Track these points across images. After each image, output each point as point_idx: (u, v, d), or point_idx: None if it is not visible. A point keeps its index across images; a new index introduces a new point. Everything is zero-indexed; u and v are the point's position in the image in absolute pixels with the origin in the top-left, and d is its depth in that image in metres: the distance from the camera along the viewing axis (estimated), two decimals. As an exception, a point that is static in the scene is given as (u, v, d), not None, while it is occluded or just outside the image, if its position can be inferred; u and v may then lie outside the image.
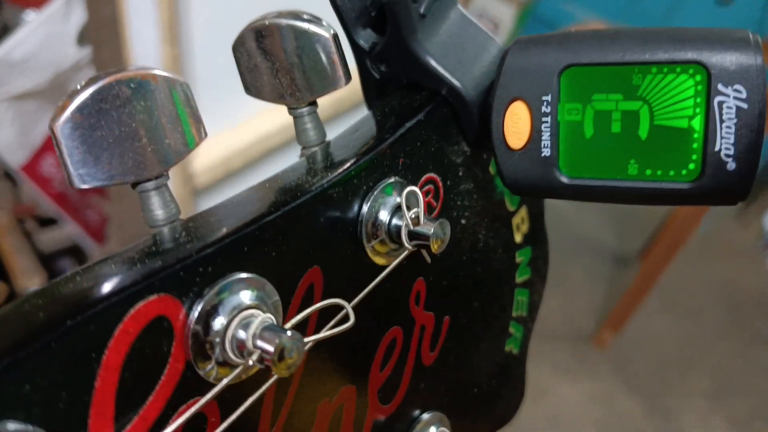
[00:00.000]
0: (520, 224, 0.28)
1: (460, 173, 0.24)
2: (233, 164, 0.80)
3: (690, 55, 0.18)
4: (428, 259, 0.22)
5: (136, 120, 0.16)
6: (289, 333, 0.15)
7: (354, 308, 0.19)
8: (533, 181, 0.21)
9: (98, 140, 0.16)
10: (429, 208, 0.23)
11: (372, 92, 0.24)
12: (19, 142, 0.94)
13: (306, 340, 0.16)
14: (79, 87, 0.16)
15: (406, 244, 0.20)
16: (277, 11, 0.21)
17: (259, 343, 0.15)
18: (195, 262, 0.15)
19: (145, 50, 0.70)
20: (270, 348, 0.15)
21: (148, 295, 0.14)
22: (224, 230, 0.16)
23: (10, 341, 0.12)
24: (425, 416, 0.24)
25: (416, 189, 0.20)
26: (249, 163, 0.84)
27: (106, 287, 0.14)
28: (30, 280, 0.97)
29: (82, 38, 0.88)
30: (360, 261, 0.20)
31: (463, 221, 0.25)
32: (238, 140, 0.82)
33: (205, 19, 0.74)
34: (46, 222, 1.06)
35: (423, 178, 0.22)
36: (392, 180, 0.21)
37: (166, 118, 0.17)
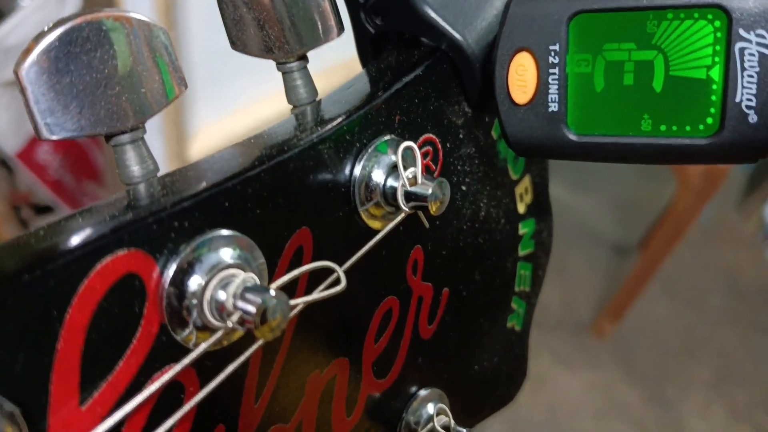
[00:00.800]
0: (524, 194, 0.27)
1: (461, 136, 0.23)
2: None
3: (710, -3, 0.17)
4: (426, 224, 0.21)
5: (109, 66, 0.15)
6: (272, 292, 0.14)
7: (346, 273, 0.18)
8: (539, 140, 0.20)
9: (67, 86, 0.15)
10: (427, 171, 0.21)
11: (367, 49, 0.23)
12: (15, 129, 0.92)
13: (292, 302, 0.15)
14: (46, 29, 0.15)
15: (403, 206, 0.19)
16: None
17: (240, 303, 0.14)
18: (170, 216, 0.14)
19: None
20: (252, 309, 0.13)
21: (116, 250, 0.13)
22: (203, 184, 0.15)
23: None
24: (423, 392, 0.23)
25: (412, 144, 0.19)
26: None
27: (71, 241, 0.12)
28: None
29: None
30: (353, 224, 0.19)
31: (463, 187, 0.23)
32: (236, 126, 0.81)
33: (202, 4, 0.73)
34: (42, 209, 1.05)
35: (421, 139, 0.21)
36: (387, 138, 0.19)
37: (141, 66, 0.16)
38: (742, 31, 0.17)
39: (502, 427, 1.13)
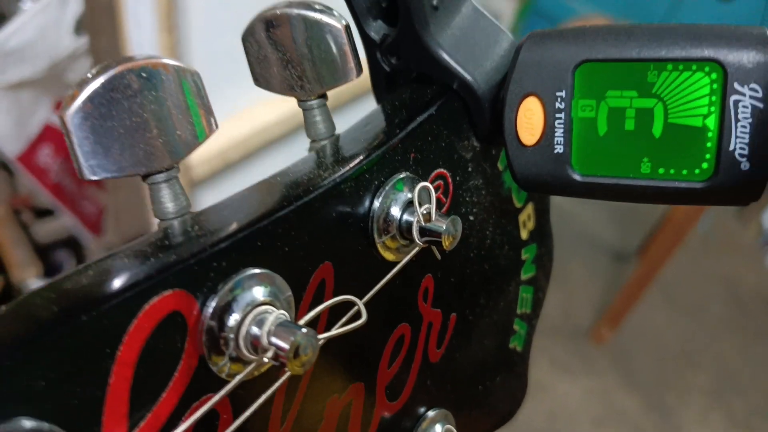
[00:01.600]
0: (527, 221, 0.28)
1: (470, 169, 0.24)
2: (231, 156, 0.80)
3: (706, 52, 0.18)
4: (439, 256, 0.22)
5: (147, 110, 0.16)
6: (304, 330, 0.15)
7: (365, 305, 0.19)
8: (545, 178, 0.21)
9: (109, 131, 0.16)
10: (438, 204, 0.23)
11: (381, 85, 0.24)
12: (15, 132, 0.93)
13: (319, 337, 0.16)
14: (90, 75, 0.16)
15: (418, 240, 0.20)
16: (287, 0, 0.21)
17: (274, 339, 0.15)
18: (209, 257, 0.15)
19: (142, 38, 0.69)
20: (285, 345, 0.15)
21: (162, 291, 0.14)
22: (236, 224, 0.16)
23: (23, 335, 0.12)
24: (431, 413, 0.24)
25: (428, 185, 0.20)
26: (247, 154, 0.83)
27: (121, 281, 0.14)
28: (26, 271, 0.97)
29: (79, 27, 0.88)
30: (370, 257, 0.20)
31: (471, 217, 0.24)
32: (236, 131, 0.81)
33: (203, 6, 0.74)
34: (43, 213, 1.05)
35: (433, 174, 0.22)
36: (403, 175, 0.20)
37: (176, 109, 0.17)
38: (736, 85, 0.18)
39: (501, 432, 1.14)
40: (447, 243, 0.20)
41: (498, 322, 0.28)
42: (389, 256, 0.21)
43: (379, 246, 0.20)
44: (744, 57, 0.18)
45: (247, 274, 0.16)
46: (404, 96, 0.23)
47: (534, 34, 0.20)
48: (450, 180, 0.23)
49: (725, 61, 0.18)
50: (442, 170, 0.22)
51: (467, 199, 0.24)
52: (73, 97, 0.16)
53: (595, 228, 1.70)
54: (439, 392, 0.24)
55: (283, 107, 0.85)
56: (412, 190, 0.20)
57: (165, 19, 0.69)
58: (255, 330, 0.15)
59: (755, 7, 1.74)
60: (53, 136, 0.98)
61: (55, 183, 1.01)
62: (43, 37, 0.88)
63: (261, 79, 0.22)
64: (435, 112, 0.22)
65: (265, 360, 0.15)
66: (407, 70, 0.23)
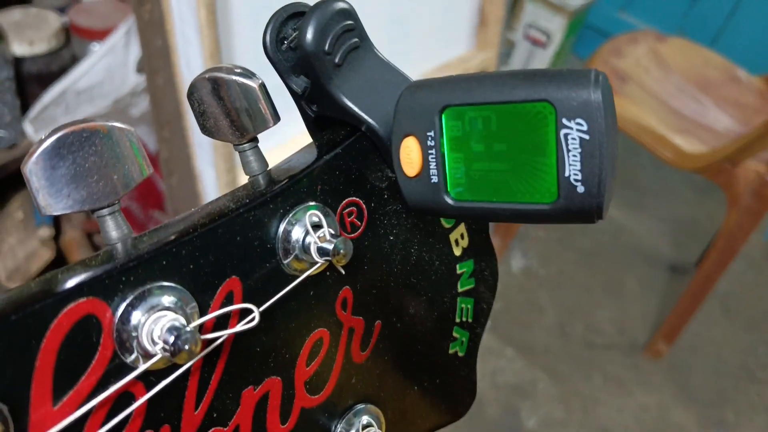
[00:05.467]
0: (459, 239, 0.31)
1: (386, 196, 0.28)
2: None
3: (540, 93, 0.21)
4: (342, 271, 0.26)
5: (89, 161, 0.21)
6: (187, 328, 0.19)
7: (270, 311, 0.23)
8: (428, 204, 0.24)
9: (59, 178, 0.21)
10: (353, 227, 0.27)
11: (311, 126, 0.28)
12: None
13: (211, 336, 0.20)
14: (43, 137, 0.21)
15: (316, 258, 0.24)
16: (218, 66, 0.25)
17: (165, 334, 0.19)
18: (119, 272, 0.20)
19: (192, 77, 0.77)
20: (171, 338, 0.19)
21: (78, 298, 0.19)
22: (148, 247, 0.21)
23: None
24: (358, 407, 0.28)
25: (318, 213, 0.24)
26: None
27: (46, 291, 0.19)
28: None
29: (140, 67, 0.98)
30: (280, 273, 0.24)
31: (391, 237, 0.28)
32: (282, 157, 0.88)
33: (248, 48, 0.81)
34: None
35: (344, 201, 0.26)
36: (310, 203, 0.25)
37: (114, 158, 0.22)
38: (564, 120, 0.21)
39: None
40: (336, 261, 0.24)
41: (433, 329, 0.31)
42: (301, 273, 0.25)
43: (285, 265, 0.24)
44: (569, 95, 0.21)
45: (151, 286, 0.20)
46: (324, 137, 0.27)
47: (411, 83, 0.24)
48: (363, 206, 0.27)
49: (554, 100, 0.21)
50: (353, 198, 0.26)
51: (386, 221, 0.28)
52: (31, 154, 0.21)
53: (653, 241, 1.66)
54: (365, 389, 0.28)
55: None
56: (314, 216, 0.24)
57: (210, 60, 0.76)
58: (153, 328, 0.20)
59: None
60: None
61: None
62: (110, 76, 0.98)
63: (204, 129, 0.26)
64: (342, 150, 0.26)
65: (158, 352, 0.19)
66: (326, 115, 0.27)
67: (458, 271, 0.32)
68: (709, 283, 1.27)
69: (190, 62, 0.77)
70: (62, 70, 0.99)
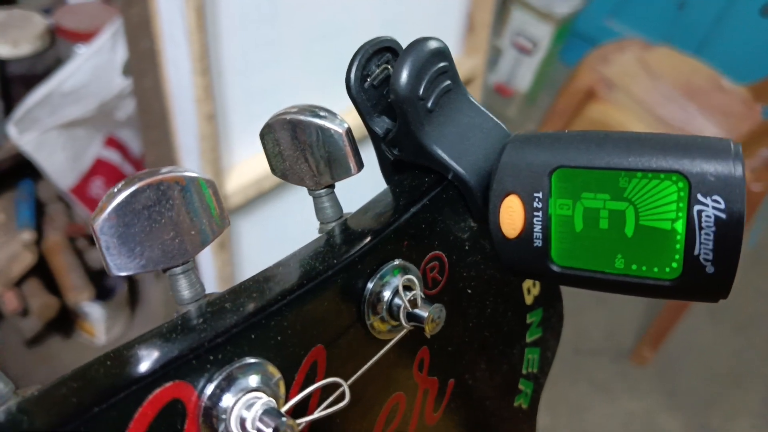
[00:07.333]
0: (531, 287, 0.30)
1: (467, 247, 0.26)
2: (264, 185, 0.84)
3: (671, 164, 0.19)
4: (428, 336, 0.24)
5: (165, 217, 0.19)
6: (284, 419, 0.17)
7: (355, 380, 0.21)
8: (527, 267, 0.22)
9: (131, 236, 0.18)
10: (434, 282, 0.25)
11: (387, 169, 0.26)
12: (69, 167, 1.00)
13: (300, 421, 0.18)
14: (115, 190, 0.19)
15: (405, 324, 0.22)
16: (298, 106, 0.23)
17: (258, 424, 0.17)
18: (206, 351, 0.18)
19: (180, 79, 0.74)
20: (268, 430, 0.17)
21: (164, 383, 0.17)
22: (234, 319, 0.19)
23: (52, 423, 0.15)
24: (428, 471, 0.26)
25: (413, 277, 0.22)
26: (280, 183, 0.88)
27: (129, 375, 0.16)
28: (80, 294, 1.03)
29: (126, 69, 0.94)
30: (362, 337, 0.22)
31: (469, 290, 0.26)
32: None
33: (238, 50, 0.78)
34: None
35: (428, 256, 0.24)
36: (396, 263, 0.23)
37: (192, 213, 0.20)
38: (699, 196, 0.19)
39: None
40: (428, 329, 0.22)
41: (501, 383, 0.29)
42: (382, 335, 0.23)
43: (369, 327, 0.22)
44: (706, 169, 0.19)
45: (240, 364, 0.18)
46: (405, 183, 0.25)
47: (516, 137, 0.22)
48: (446, 260, 0.25)
49: (689, 173, 0.19)
50: (437, 252, 0.24)
51: (465, 274, 0.26)
52: (102, 209, 0.18)
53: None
54: (435, 452, 0.26)
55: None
56: (403, 276, 0.22)
57: (198, 63, 0.73)
58: (244, 414, 0.18)
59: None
60: (104, 169, 1.05)
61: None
62: (96, 79, 0.94)
63: (276, 170, 0.24)
64: (429, 201, 0.24)
65: (253, 441, 0.17)
66: (409, 159, 0.25)
67: (527, 321, 0.30)
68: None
69: (177, 65, 0.75)
70: (47, 72, 0.95)
